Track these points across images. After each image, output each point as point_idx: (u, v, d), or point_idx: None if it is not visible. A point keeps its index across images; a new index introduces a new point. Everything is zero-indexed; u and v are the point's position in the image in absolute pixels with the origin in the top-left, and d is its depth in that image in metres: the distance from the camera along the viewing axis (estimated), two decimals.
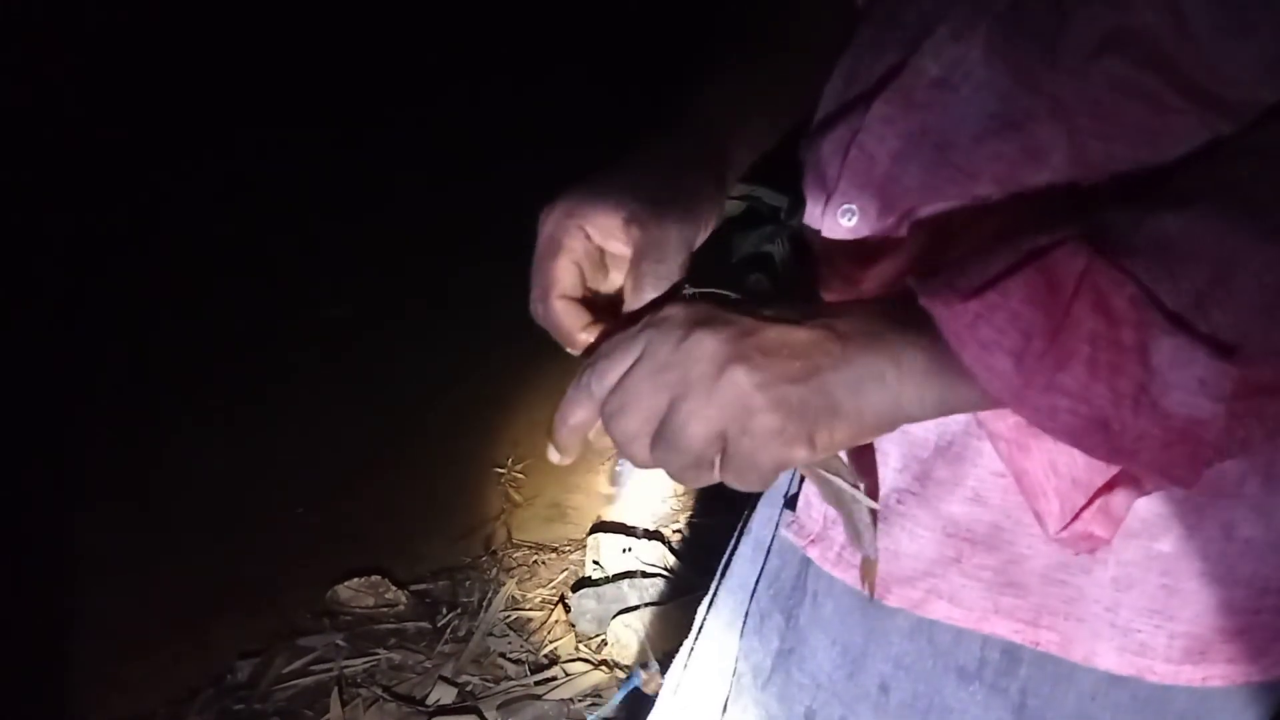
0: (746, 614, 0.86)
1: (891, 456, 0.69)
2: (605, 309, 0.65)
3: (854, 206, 0.66)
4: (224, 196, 3.96)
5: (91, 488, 2.67)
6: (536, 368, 2.91)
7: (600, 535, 2.44)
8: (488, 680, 2.13)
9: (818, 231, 0.70)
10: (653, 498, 2.59)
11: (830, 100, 0.72)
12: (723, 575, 0.93)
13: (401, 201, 3.92)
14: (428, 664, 2.17)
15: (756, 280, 2.90)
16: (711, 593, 0.93)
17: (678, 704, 0.91)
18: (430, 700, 2.08)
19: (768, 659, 0.82)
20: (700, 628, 0.93)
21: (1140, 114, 0.55)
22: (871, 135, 0.64)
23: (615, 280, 0.65)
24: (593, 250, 0.63)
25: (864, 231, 0.66)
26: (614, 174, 0.65)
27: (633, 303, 0.60)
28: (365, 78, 4.56)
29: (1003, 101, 0.59)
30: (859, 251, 0.66)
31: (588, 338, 0.61)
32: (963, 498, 0.65)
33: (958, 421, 0.65)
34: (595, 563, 2.37)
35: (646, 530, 2.48)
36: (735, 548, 0.92)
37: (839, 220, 0.67)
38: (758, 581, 0.86)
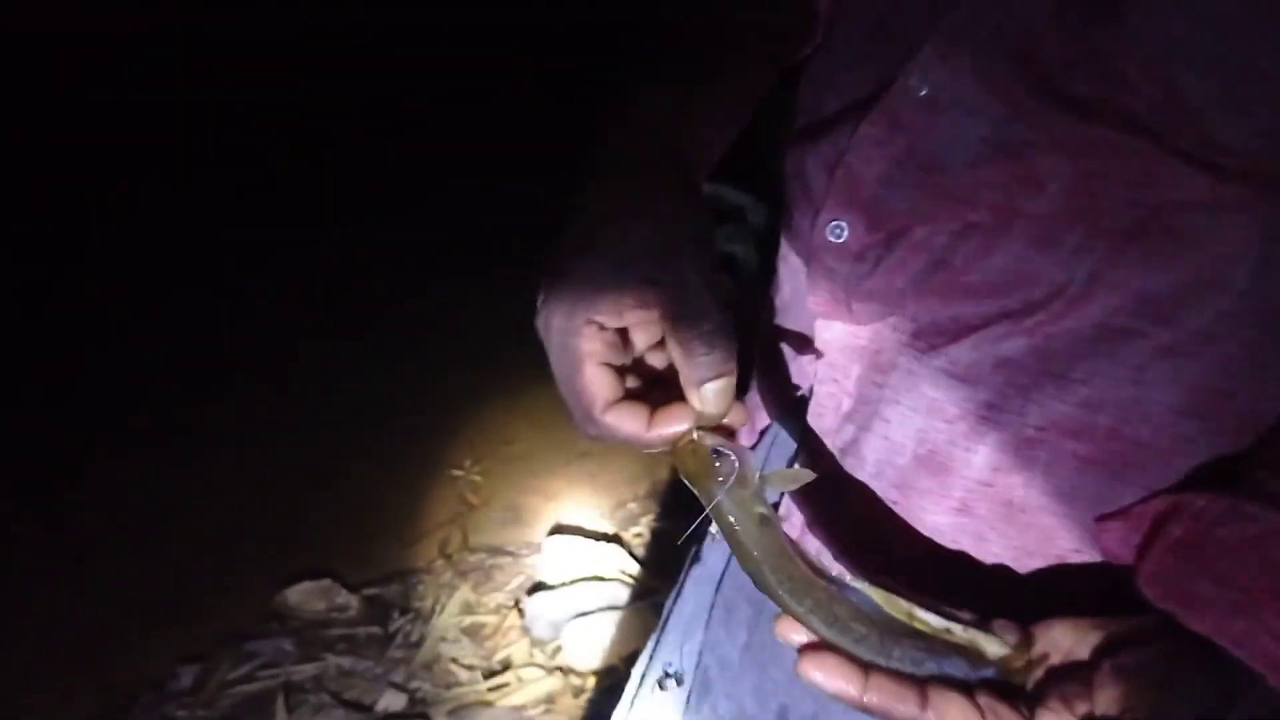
0: (712, 606, 0.84)
1: (867, 462, 0.67)
2: (649, 377, 0.60)
3: (843, 223, 0.64)
4: (164, 206, 3.88)
5: (30, 487, 2.59)
6: (495, 369, 2.87)
7: (557, 539, 2.40)
8: (439, 687, 2.08)
9: (805, 241, 0.68)
10: (612, 501, 2.55)
11: (809, 108, 0.71)
12: (690, 566, 0.91)
13: (360, 211, 3.87)
14: (377, 670, 2.12)
15: (721, 280, 2.87)
16: (679, 584, 0.92)
17: (643, 695, 0.89)
18: (379, 706, 2.03)
19: (734, 652, 0.80)
20: (666, 619, 0.91)
21: (1136, 166, 0.53)
22: (858, 157, 0.62)
23: (641, 340, 0.59)
24: (613, 339, 0.57)
25: (854, 246, 0.64)
26: (587, 237, 0.57)
27: (689, 371, 0.54)
28: (328, 89, 4.51)
29: (996, 128, 0.57)
30: (850, 263, 0.65)
31: (659, 433, 0.55)
32: (948, 509, 0.64)
33: (939, 430, 0.63)
34: (552, 567, 2.33)
35: (605, 534, 2.45)
36: (703, 538, 0.90)
37: (827, 235, 0.65)
38: (724, 574, 0.84)
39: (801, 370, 0.75)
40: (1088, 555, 0.60)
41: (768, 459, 0.75)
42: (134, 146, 4.17)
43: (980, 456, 0.62)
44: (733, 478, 0.54)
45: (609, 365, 0.57)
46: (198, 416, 2.85)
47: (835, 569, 0.55)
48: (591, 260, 0.56)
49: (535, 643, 2.18)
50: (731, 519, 0.54)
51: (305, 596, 2.27)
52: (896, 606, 0.54)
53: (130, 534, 2.45)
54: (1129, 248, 0.55)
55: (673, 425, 0.55)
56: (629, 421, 0.56)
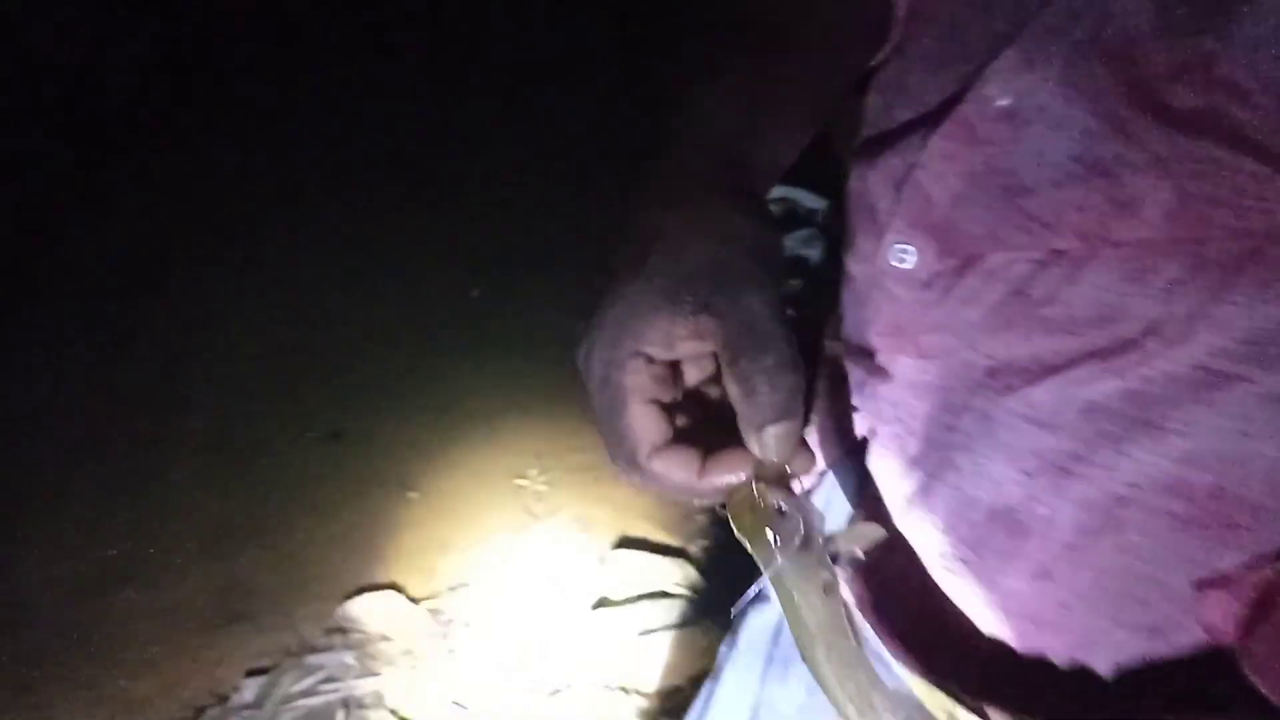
0: (769, 660, 0.78)
1: (936, 515, 0.60)
2: (702, 416, 0.53)
3: (910, 246, 0.58)
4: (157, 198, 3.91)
5: (96, 501, 2.63)
6: (562, 376, 2.83)
7: (623, 552, 2.36)
8: (500, 704, 2.04)
9: (868, 265, 0.61)
10: (678, 512, 2.50)
11: (876, 118, 0.64)
12: (745, 612, 0.85)
13: (427, 217, 3.87)
14: (439, 685, 2.09)
15: (793, 285, 2.81)
16: (732, 632, 0.86)
17: None
18: None
19: (790, 710, 0.75)
20: (720, 671, 0.85)
21: (1245, 187, 0.46)
22: (929, 174, 0.56)
23: (694, 374, 0.53)
24: (662, 373, 0.51)
25: (922, 273, 0.58)
26: (637, 258, 0.50)
27: (750, 413, 0.47)
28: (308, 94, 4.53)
29: (1086, 144, 0.50)
30: (917, 291, 0.58)
31: (712, 483, 0.49)
32: (1026, 573, 0.56)
33: (1017, 483, 0.56)
34: (617, 581, 2.28)
35: (671, 547, 2.39)
36: (756, 586, 0.84)
37: (892, 259, 0.59)
38: (779, 626, 0.79)
39: (865, 403, 0.68)
40: (1184, 629, 0.53)
41: (827, 507, 0.69)
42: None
43: (1064, 515, 0.54)
44: (796, 540, 0.47)
45: (657, 403, 0.50)
46: (260, 427, 2.87)
47: (879, 648, 0.48)
48: (640, 285, 0.49)
49: (599, 661, 2.13)
50: (791, 587, 0.48)
51: (367, 609, 2.26)
52: (937, 702, 0.47)
53: (193, 547, 2.47)
54: (1234, 281, 0.48)
55: (728, 474, 0.49)
56: (678, 468, 0.49)
